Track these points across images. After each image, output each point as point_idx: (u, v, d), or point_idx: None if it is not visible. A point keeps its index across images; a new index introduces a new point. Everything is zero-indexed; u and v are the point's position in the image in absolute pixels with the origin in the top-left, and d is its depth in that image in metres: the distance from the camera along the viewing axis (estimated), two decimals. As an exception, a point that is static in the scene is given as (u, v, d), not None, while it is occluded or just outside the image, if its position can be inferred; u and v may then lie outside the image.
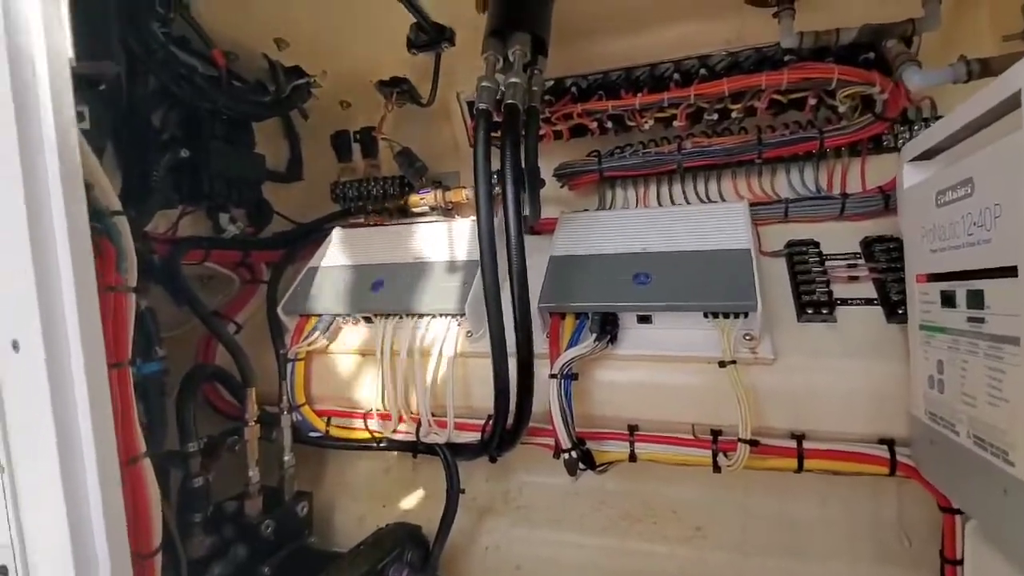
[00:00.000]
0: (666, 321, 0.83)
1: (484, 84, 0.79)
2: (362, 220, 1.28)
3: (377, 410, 0.99)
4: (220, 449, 0.98)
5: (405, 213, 1.24)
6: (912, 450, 0.73)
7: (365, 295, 1.01)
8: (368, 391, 1.01)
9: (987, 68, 0.78)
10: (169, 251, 1.02)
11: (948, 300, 0.61)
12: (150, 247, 0.99)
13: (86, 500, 0.53)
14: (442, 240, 1.07)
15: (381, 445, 1.01)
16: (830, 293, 0.82)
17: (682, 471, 0.85)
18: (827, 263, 0.87)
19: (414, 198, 1.20)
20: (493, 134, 0.78)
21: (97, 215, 0.77)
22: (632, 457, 0.84)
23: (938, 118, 0.91)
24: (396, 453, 1.14)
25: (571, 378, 0.81)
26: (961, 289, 0.58)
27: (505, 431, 0.86)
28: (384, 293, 1.00)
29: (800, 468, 0.76)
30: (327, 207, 1.32)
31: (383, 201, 1.26)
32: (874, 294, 0.82)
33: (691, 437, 0.81)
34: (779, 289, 0.86)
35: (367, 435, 1.02)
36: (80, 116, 0.75)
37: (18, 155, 0.49)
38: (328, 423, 1.05)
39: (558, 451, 0.83)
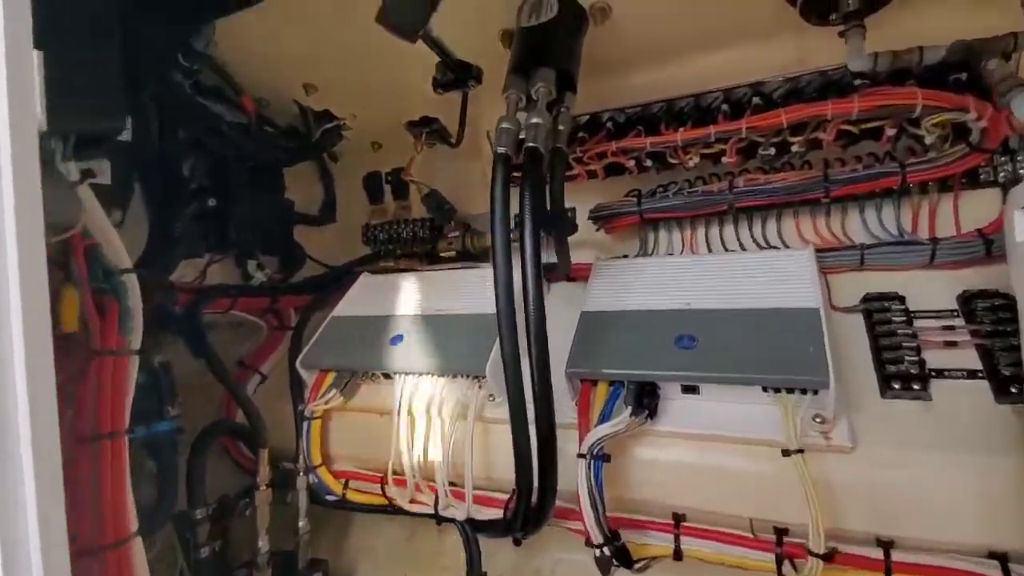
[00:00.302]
0: (716, 392, 0.71)
1: (504, 126, 0.72)
2: (391, 264, 1.24)
3: (394, 475, 0.91)
4: (232, 514, 0.93)
5: (434, 257, 1.19)
6: (1040, 574, 0.57)
7: (384, 350, 0.94)
8: (385, 454, 0.93)
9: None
10: (191, 302, 0.99)
11: (1093, 393, 0.46)
12: (173, 298, 0.98)
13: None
14: (468, 289, 0.99)
15: (399, 512, 0.93)
16: (922, 362, 0.67)
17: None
18: (916, 323, 0.72)
19: (442, 243, 1.15)
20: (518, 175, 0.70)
21: (105, 273, 0.75)
22: (677, 554, 0.71)
23: (1053, 147, 0.76)
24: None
25: (602, 459, 0.70)
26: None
27: (529, 510, 0.76)
28: (403, 348, 0.93)
29: (889, 586, 0.61)
30: (360, 250, 1.29)
31: (412, 244, 1.20)
32: (978, 364, 0.67)
33: (749, 535, 0.68)
34: (856, 354, 0.72)
35: (385, 500, 0.94)
36: (89, 173, 0.74)
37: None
38: (345, 486, 0.98)
39: (589, 543, 0.71)
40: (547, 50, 0.75)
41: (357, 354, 0.97)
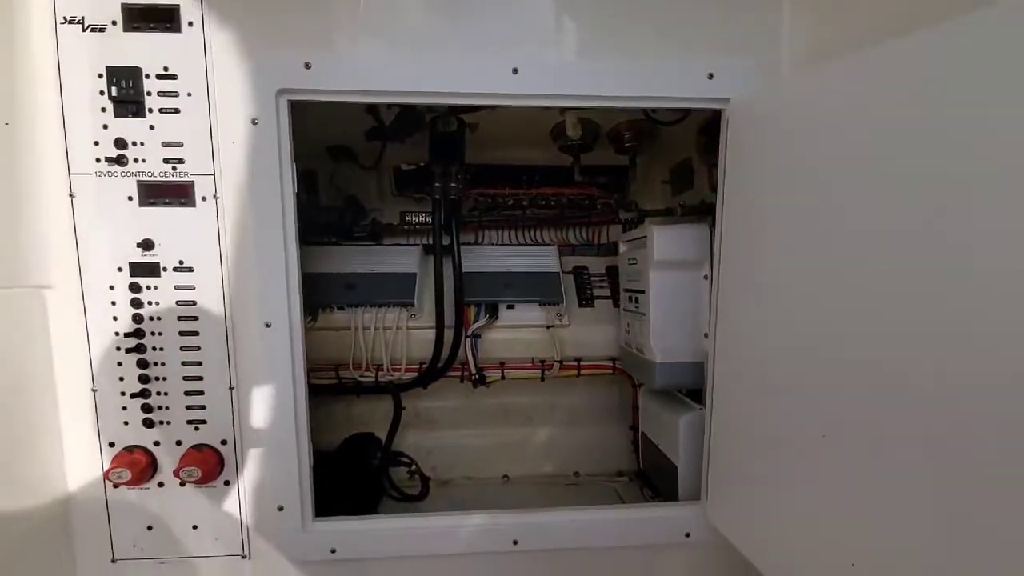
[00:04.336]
0: (521, 307, 1.67)
1: (436, 184, 1.50)
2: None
3: (354, 363, 1.62)
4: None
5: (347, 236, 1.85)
6: (622, 362, 1.70)
7: (339, 292, 1.62)
8: (344, 353, 1.62)
9: None
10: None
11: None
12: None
13: (288, 409, 1.12)
14: (385, 257, 1.73)
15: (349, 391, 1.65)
16: (593, 294, 1.75)
17: (522, 385, 1.71)
18: (592, 278, 1.80)
19: (355, 228, 1.82)
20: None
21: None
22: (503, 377, 1.66)
23: (638, 208, 1.92)
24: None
25: (478, 337, 1.59)
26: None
27: (435, 370, 1.60)
28: (354, 292, 1.63)
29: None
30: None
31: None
32: (608, 294, 1.77)
33: (530, 363, 1.67)
34: (566, 290, 1.76)
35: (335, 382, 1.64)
36: None
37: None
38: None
39: (469, 376, 1.60)
40: (454, 147, 1.55)
41: (320, 294, 1.62)
